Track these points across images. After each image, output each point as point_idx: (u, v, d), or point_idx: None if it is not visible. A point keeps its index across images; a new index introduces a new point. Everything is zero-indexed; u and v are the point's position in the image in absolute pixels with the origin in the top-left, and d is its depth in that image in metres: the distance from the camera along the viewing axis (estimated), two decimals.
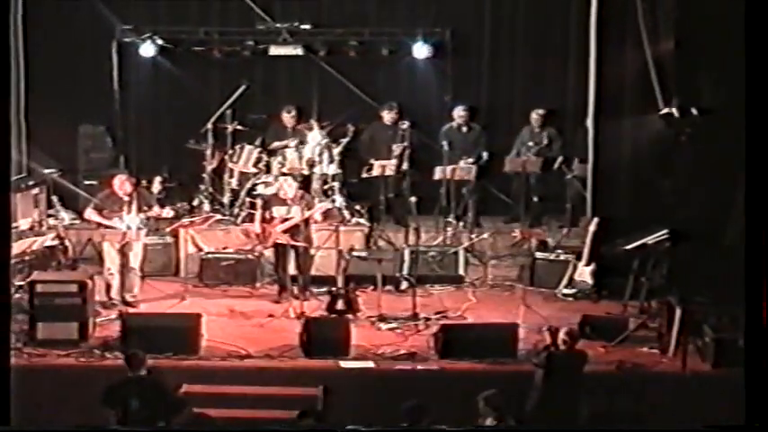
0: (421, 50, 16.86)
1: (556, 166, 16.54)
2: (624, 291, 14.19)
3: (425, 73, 17.22)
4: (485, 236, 15.93)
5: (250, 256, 15.33)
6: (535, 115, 16.70)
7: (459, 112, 16.75)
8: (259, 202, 15.32)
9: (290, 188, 14.57)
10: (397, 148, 16.47)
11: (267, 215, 14.48)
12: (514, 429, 10.63)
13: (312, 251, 14.68)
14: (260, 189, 16.23)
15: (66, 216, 16.57)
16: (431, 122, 17.03)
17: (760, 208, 9.75)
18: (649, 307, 13.86)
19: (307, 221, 14.37)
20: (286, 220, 14.35)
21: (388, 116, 16.68)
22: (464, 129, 16.80)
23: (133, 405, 10.61)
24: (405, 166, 16.48)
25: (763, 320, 9.60)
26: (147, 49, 16.92)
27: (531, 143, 16.61)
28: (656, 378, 12.27)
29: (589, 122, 15.73)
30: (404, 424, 10.10)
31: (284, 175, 15.94)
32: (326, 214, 14.90)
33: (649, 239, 14.13)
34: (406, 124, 16.53)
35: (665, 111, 14.64)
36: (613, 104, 15.44)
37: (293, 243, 14.24)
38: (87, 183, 16.81)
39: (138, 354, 11.01)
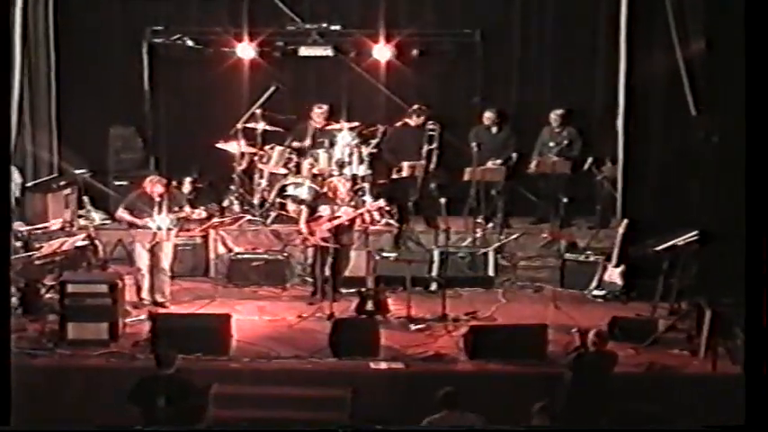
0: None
1: (586, 166, 16.49)
2: (654, 292, 14.12)
3: (454, 74, 17.22)
4: (514, 237, 15.94)
5: (280, 257, 15.38)
6: (554, 115, 16.61)
7: (487, 115, 16.71)
8: (291, 202, 15.31)
9: (343, 187, 14.56)
10: (426, 150, 16.46)
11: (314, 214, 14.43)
12: (540, 429, 10.62)
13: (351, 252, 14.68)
14: (290, 190, 16.26)
15: (96, 216, 16.60)
16: (460, 123, 17.00)
17: (760, 209, 9.74)
18: (679, 308, 13.82)
19: (352, 222, 14.39)
20: (333, 219, 14.36)
21: (416, 118, 16.64)
22: (494, 130, 16.75)
23: (159, 403, 10.65)
24: (433, 167, 16.49)
25: (764, 321, 9.60)
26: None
27: (551, 143, 16.56)
28: (687, 380, 12.23)
29: (619, 123, 15.69)
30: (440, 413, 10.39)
31: (315, 176, 16.05)
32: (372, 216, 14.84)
33: (679, 241, 14.07)
34: (434, 125, 16.53)
35: (696, 112, 14.59)
36: (643, 105, 15.39)
37: (328, 244, 14.18)
38: (118, 183, 16.85)
39: (169, 352, 11.06)
